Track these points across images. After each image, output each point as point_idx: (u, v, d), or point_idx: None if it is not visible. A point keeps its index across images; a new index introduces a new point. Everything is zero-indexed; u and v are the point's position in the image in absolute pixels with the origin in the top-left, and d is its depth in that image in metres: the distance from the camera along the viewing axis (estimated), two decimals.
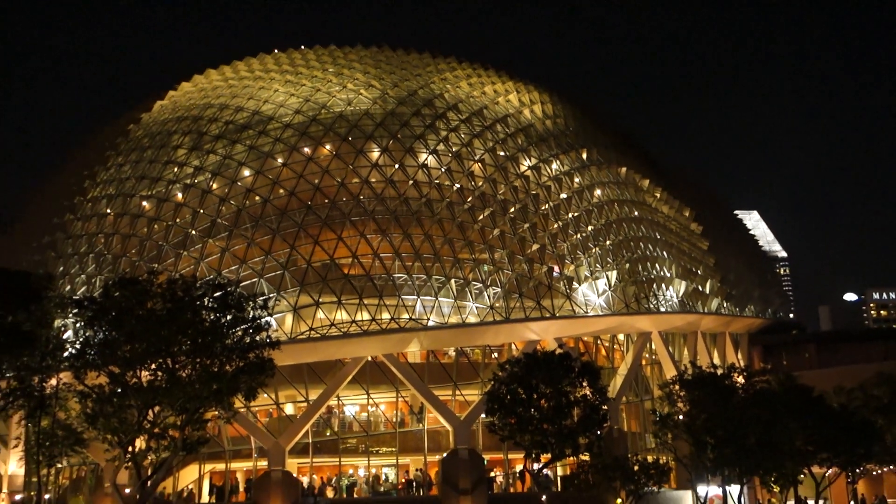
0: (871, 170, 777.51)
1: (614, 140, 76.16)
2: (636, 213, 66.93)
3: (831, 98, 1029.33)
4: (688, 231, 73.46)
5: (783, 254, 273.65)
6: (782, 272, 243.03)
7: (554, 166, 63.85)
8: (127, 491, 40.38)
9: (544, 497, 40.92)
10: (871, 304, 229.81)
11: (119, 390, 30.17)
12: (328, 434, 54.81)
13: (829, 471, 55.78)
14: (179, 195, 58.42)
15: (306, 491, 50.88)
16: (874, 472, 64.86)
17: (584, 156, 67.17)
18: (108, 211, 60.14)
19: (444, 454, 51.33)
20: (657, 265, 65.15)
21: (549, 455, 40.36)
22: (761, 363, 70.40)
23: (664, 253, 66.45)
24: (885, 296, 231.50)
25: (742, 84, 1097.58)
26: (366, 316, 51.55)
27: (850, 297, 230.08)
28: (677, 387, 49.95)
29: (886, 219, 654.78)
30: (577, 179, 64.34)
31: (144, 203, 59.09)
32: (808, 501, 56.77)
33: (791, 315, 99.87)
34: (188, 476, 55.38)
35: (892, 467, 60.68)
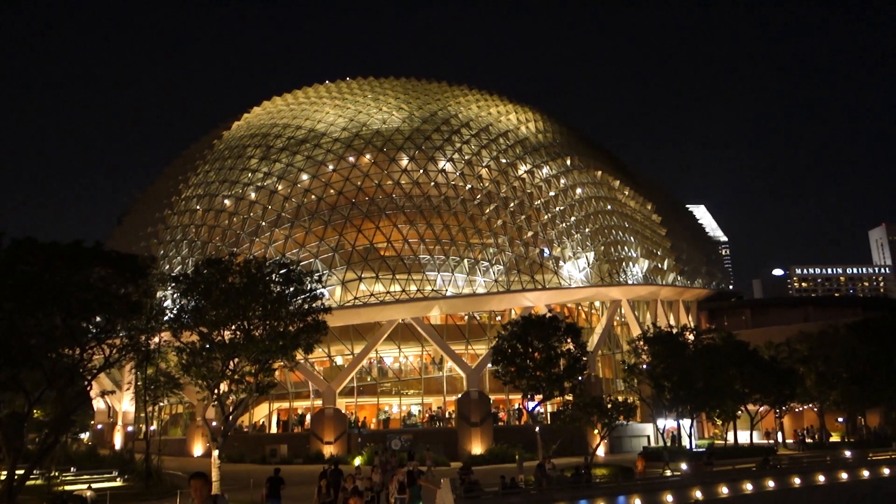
0: (795, 171, 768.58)
1: (591, 150, 75.55)
2: (609, 207, 66.37)
3: (761, 114, 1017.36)
4: (649, 221, 72.86)
5: (724, 238, 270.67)
6: (724, 253, 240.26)
7: (544, 171, 63.36)
8: (214, 423, 40.60)
9: (537, 428, 40.74)
10: (795, 278, 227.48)
11: (207, 346, 30.13)
12: (369, 379, 54.83)
13: (761, 408, 55.55)
14: (252, 195, 58.41)
15: (352, 423, 51.09)
16: (796, 409, 64.61)
17: (568, 162, 66.59)
18: (198, 207, 60.24)
19: (459, 395, 51.35)
20: (625, 247, 64.72)
21: (541, 395, 40.21)
22: (707, 324, 70.09)
23: (631, 238, 65.97)
24: (805, 271, 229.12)
25: (693, 106, 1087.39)
26: (398, 288, 51.54)
27: (777, 272, 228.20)
28: (641, 342, 49.75)
29: (806, 210, 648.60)
30: (562, 181, 63.84)
31: (226, 201, 59.14)
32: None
33: (731, 286, 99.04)
34: (261, 412, 55.79)
35: (810, 405, 60.31)
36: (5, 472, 24.15)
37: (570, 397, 41.58)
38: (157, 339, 34.37)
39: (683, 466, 38.02)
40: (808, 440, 59.30)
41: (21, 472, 23.73)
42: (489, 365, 47.26)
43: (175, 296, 32.99)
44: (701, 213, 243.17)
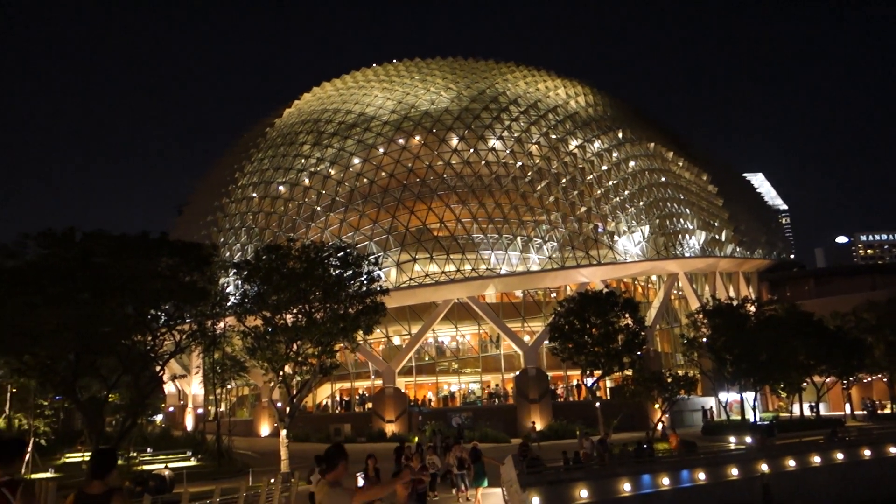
0: (856, 136, 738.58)
1: (643, 122, 74.06)
2: (663, 179, 65.16)
3: (820, 80, 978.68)
4: (705, 192, 71.23)
5: (784, 206, 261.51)
6: (784, 221, 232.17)
7: (596, 145, 62.48)
8: (279, 404, 41.70)
9: (598, 403, 40.62)
10: (860, 245, 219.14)
11: (270, 329, 30.94)
12: (427, 359, 55.39)
13: (828, 379, 54.12)
14: (306, 180, 59.24)
15: (413, 401, 51.77)
16: (865, 380, 62.69)
17: (620, 135, 65.45)
18: (254, 195, 61.44)
19: (517, 372, 51.50)
20: (681, 220, 63.53)
21: (599, 371, 40.06)
22: (769, 295, 68.37)
23: (687, 210, 64.69)
24: (870, 237, 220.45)
25: (747, 70, 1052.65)
26: (452, 268, 51.78)
27: (841, 239, 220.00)
28: (701, 316, 49.04)
29: (870, 174, 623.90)
30: (614, 154, 62.89)
31: (280, 188, 60.12)
32: None
33: (792, 256, 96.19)
34: (323, 393, 56.97)
35: (879, 375, 58.51)
36: (89, 454, 25.40)
37: (629, 372, 41.32)
38: (222, 325, 35.34)
39: (732, 440, 37.48)
40: (885, 411, 57.56)
41: None
42: (546, 342, 47.25)
43: (237, 282, 33.93)
44: (759, 181, 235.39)
